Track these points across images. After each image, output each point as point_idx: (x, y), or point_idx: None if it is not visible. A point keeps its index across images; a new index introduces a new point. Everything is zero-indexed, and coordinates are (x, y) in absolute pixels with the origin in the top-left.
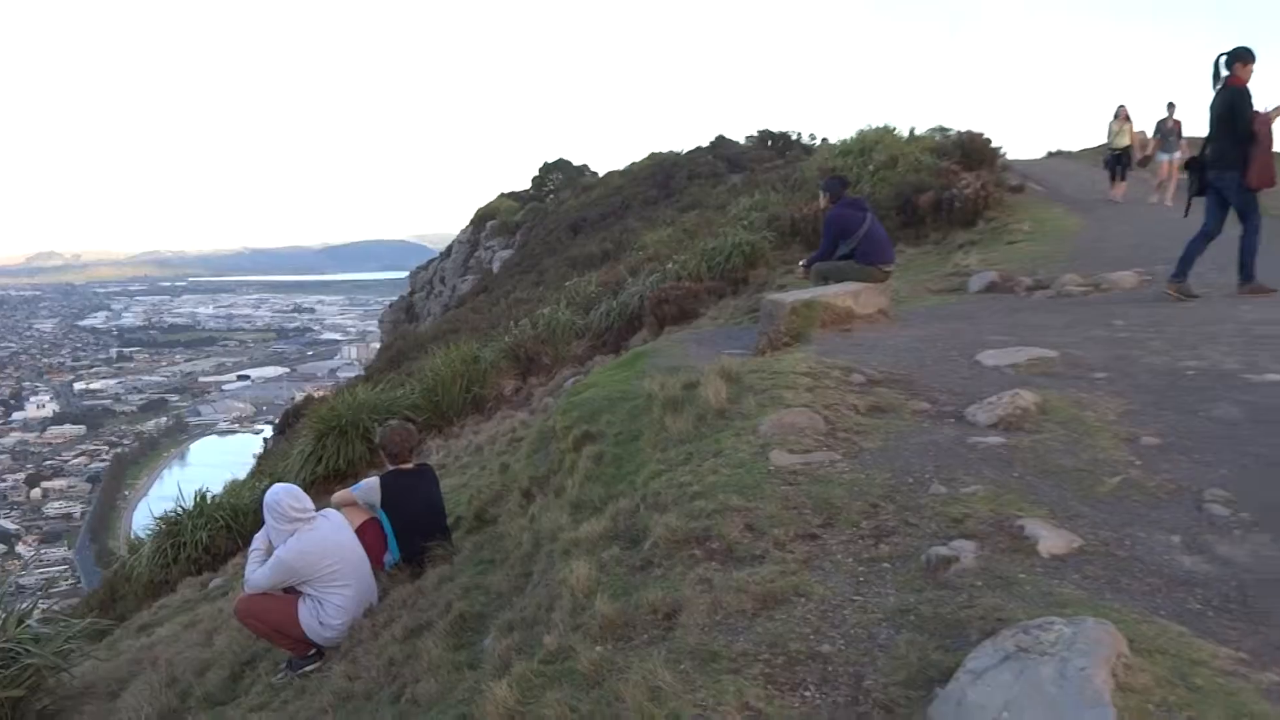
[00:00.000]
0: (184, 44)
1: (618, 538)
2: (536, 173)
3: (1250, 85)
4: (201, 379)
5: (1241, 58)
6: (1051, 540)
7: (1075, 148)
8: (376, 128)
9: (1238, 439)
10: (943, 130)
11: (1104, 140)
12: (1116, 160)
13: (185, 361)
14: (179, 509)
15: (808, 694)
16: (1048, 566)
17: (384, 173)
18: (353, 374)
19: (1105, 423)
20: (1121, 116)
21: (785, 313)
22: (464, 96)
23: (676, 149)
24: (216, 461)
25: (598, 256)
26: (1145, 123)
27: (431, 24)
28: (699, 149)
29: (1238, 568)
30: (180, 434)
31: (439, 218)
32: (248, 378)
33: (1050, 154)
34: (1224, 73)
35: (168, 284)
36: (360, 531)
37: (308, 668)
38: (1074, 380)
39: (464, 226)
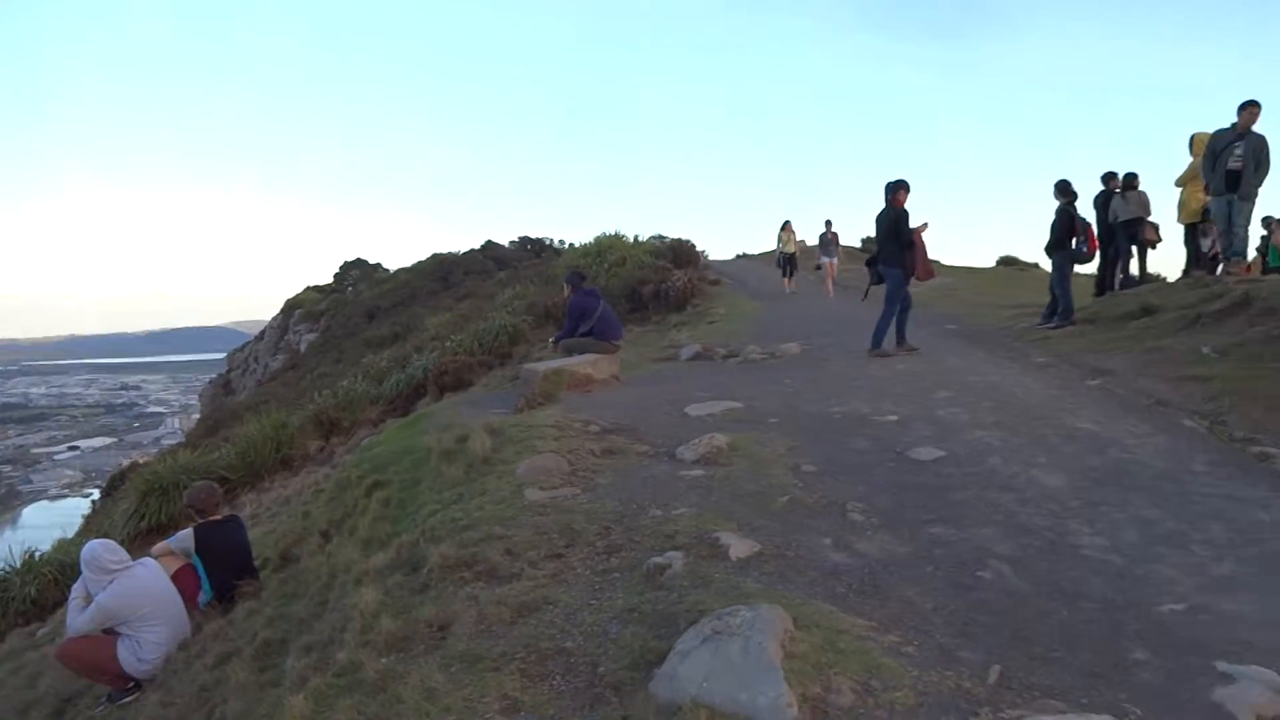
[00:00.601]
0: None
1: (401, 566)
2: (338, 269)
3: (906, 206)
4: (34, 450)
5: (903, 186)
6: (739, 547)
7: (755, 251)
8: (197, 222)
9: (869, 464)
10: (660, 237)
11: (775, 246)
12: (787, 261)
13: (17, 436)
14: (7, 568)
15: (555, 682)
16: (736, 567)
17: (203, 266)
18: (175, 441)
19: (777, 456)
20: (788, 229)
21: (539, 379)
22: (277, 199)
23: (454, 250)
24: (47, 524)
25: (389, 338)
26: (809, 229)
27: (242, 131)
28: (472, 250)
29: (870, 559)
30: (13, 500)
31: (253, 307)
32: (77, 448)
33: (738, 255)
34: (887, 196)
35: (0, 368)
36: (176, 576)
37: (126, 699)
38: (755, 424)
39: (275, 314)
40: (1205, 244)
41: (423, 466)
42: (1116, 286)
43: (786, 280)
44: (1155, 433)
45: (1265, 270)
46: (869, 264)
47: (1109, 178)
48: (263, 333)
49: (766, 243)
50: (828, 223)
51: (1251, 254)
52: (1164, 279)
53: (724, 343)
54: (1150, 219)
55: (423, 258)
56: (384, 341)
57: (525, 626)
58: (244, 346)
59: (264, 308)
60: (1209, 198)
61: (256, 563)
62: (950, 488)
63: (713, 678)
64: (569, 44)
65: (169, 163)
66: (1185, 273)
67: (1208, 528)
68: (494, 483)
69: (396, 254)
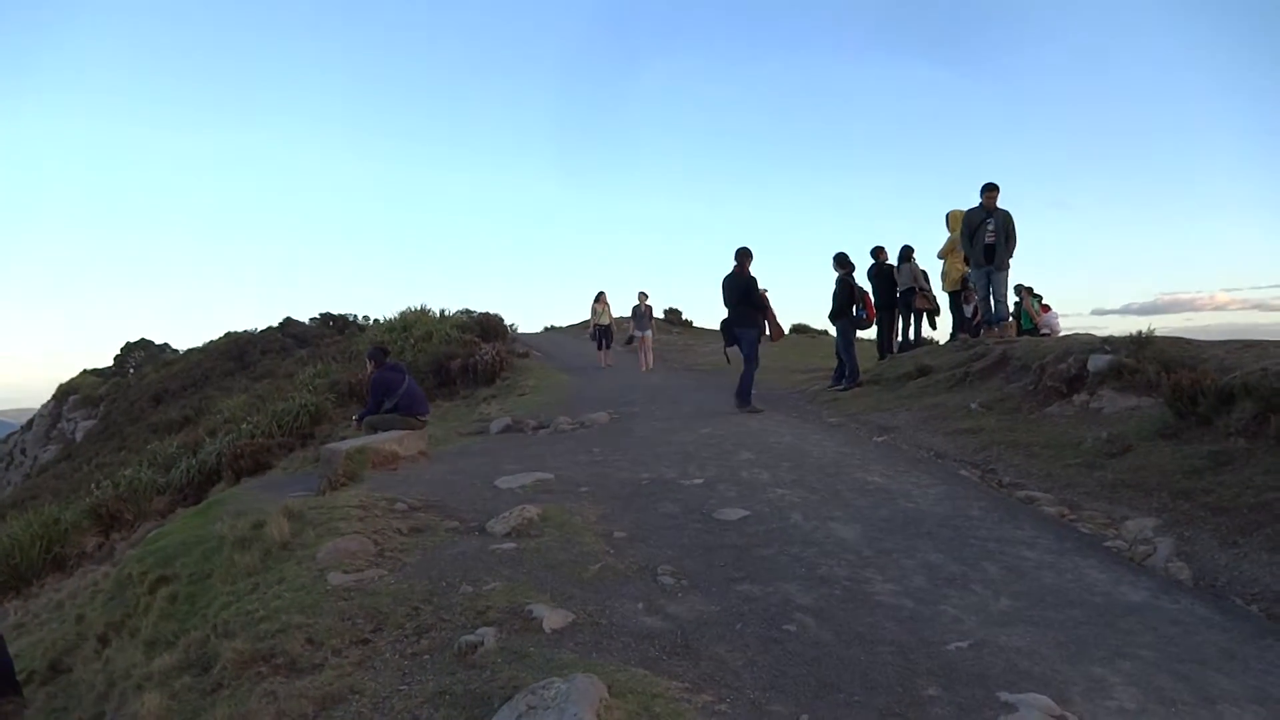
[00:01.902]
0: None
1: (190, 667)
2: (119, 351)
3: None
4: None
5: (748, 255)
6: (553, 618)
7: (564, 323)
8: None
9: (677, 527)
10: (467, 311)
11: (588, 318)
12: (602, 334)
13: None
14: None
15: None
16: (551, 639)
17: None
18: None
19: (588, 524)
20: (601, 300)
21: (341, 458)
22: (44, 276)
23: (251, 328)
24: None
25: (179, 422)
26: (621, 300)
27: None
28: (270, 328)
29: (682, 621)
30: None
31: (18, 394)
32: None
33: (547, 328)
34: (736, 262)
35: None
36: None
37: None
38: (566, 494)
39: (45, 401)
40: (968, 310)
41: (215, 557)
42: (895, 350)
43: (602, 354)
44: (936, 483)
45: (1019, 332)
46: (723, 327)
47: (878, 251)
48: (31, 421)
49: (574, 315)
50: (641, 294)
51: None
52: (936, 342)
53: (534, 415)
54: (923, 288)
55: (215, 336)
56: (173, 426)
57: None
58: (8, 437)
59: (32, 394)
60: (968, 268)
61: (20, 677)
62: (755, 545)
63: None
64: (368, 113)
65: None
66: (952, 336)
67: (985, 569)
68: (294, 569)
69: (186, 333)
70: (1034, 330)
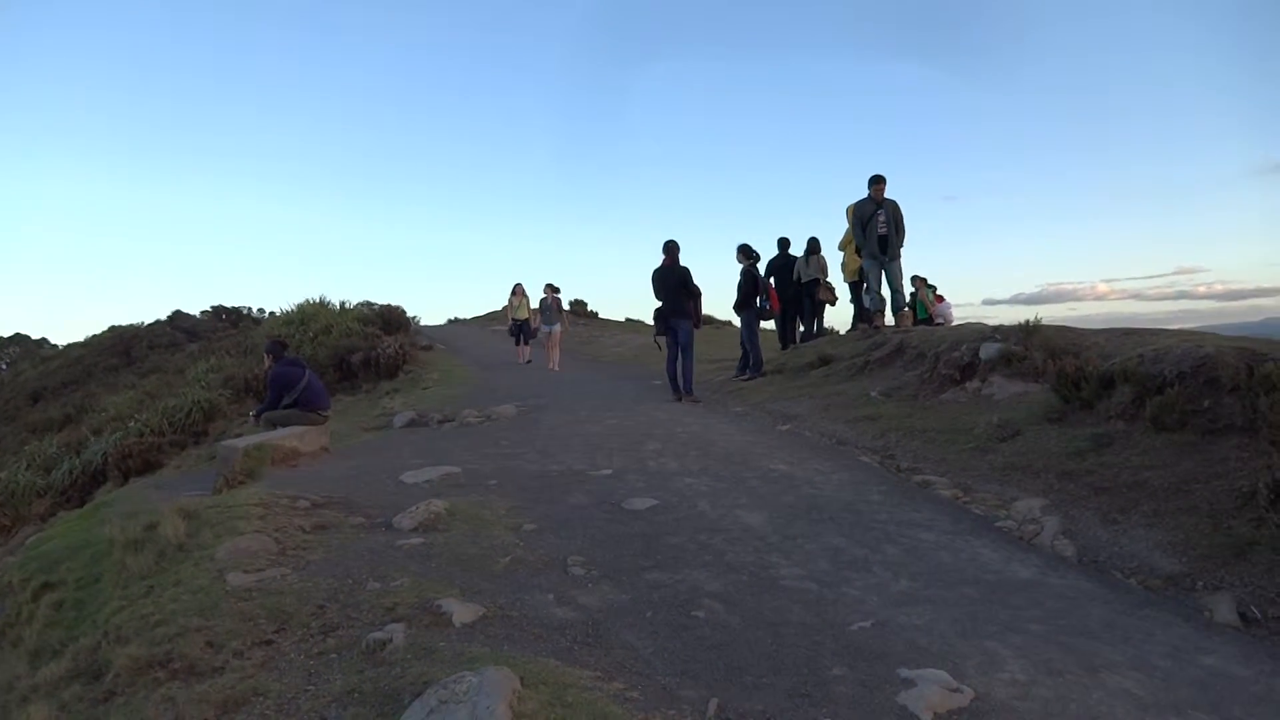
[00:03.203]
0: None
1: (79, 676)
2: None
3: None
4: None
5: (677, 246)
6: (463, 612)
7: (468, 315)
8: None
9: (587, 518)
10: (369, 304)
11: (500, 310)
12: (520, 329)
13: None
14: None
15: None
16: (461, 633)
17: None
18: None
19: (498, 517)
20: (519, 293)
21: (239, 455)
22: None
23: (136, 322)
24: None
25: (59, 420)
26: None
27: None
28: (158, 322)
29: (592, 610)
30: None
31: None
32: None
33: (451, 320)
34: (668, 254)
35: None
36: None
37: None
38: (474, 488)
39: None
40: (867, 300)
41: (104, 561)
42: (797, 340)
43: (520, 349)
44: (838, 469)
45: (915, 322)
46: (657, 317)
47: (783, 242)
48: None
49: (478, 307)
50: (549, 287)
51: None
52: (836, 332)
53: (439, 408)
54: (827, 280)
55: (99, 330)
56: (53, 425)
57: None
58: None
59: None
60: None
61: None
62: (664, 534)
63: None
64: (257, 96)
65: None
66: (853, 326)
67: (885, 551)
68: (190, 570)
69: (66, 328)
70: (929, 320)
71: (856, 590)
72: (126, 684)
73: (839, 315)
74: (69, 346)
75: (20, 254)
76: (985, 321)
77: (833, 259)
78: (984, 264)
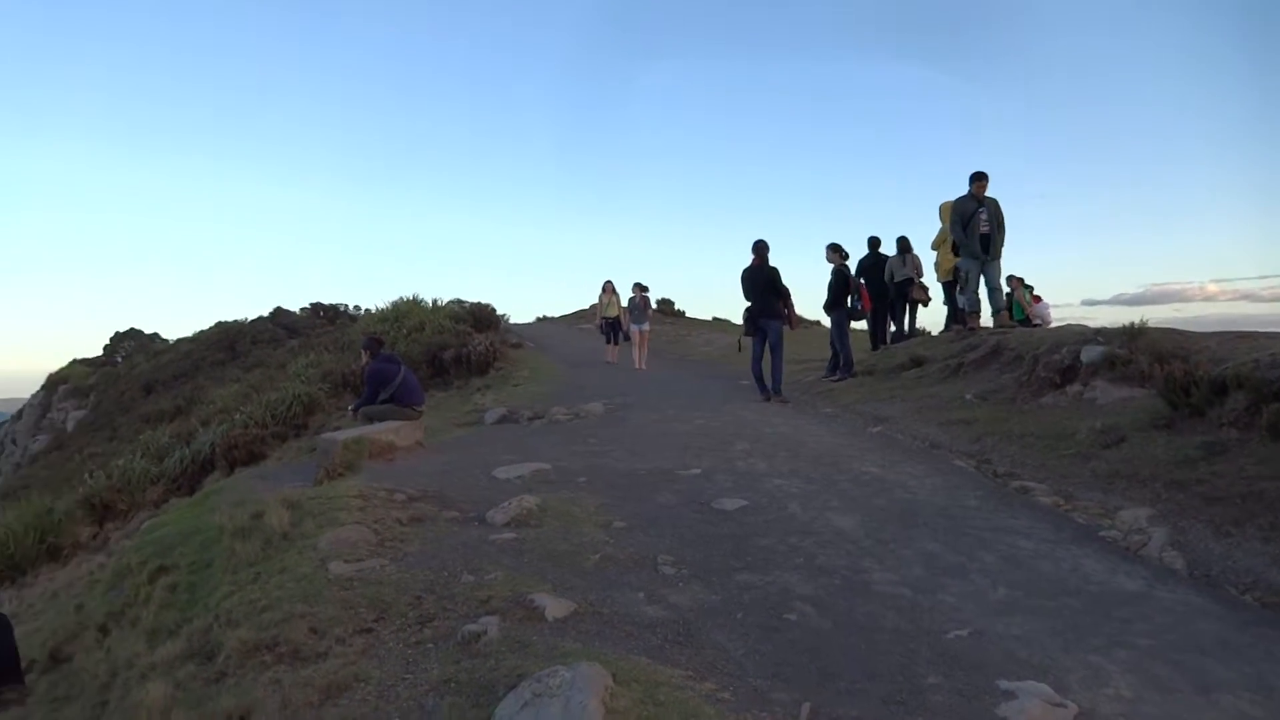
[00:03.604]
0: None
1: (193, 656)
2: (109, 340)
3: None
4: None
5: (766, 246)
6: (555, 607)
7: (556, 313)
8: None
9: (676, 517)
10: (460, 301)
11: (585, 308)
12: (610, 328)
13: None
14: None
15: None
16: (553, 628)
17: None
18: None
19: (588, 514)
20: (608, 290)
21: (338, 448)
22: (33, 266)
23: (241, 318)
24: None
25: (170, 412)
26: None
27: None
28: (261, 318)
29: (683, 609)
30: None
31: (8, 384)
32: None
33: (539, 318)
34: (758, 254)
35: None
36: None
37: None
38: (564, 484)
39: (35, 391)
40: (962, 300)
41: (214, 547)
42: (889, 340)
43: (610, 348)
44: (931, 473)
45: (1011, 323)
46: (746, 317)
47: (874, 241)
48: (20, 411)
49: (567, 305)
50: (637, 286)
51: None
52: (928, 333)
53: (529, 405)
54: (921, 279)
55: (206, 326)
56: (165, 416)
57: (335, 707)
58: None
59: (21, 384)
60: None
61: (23, 666)
62: (754, 535)
63: None
64: (355, 100)
65: None
66: (947, 326)
67: (982, 558)
68: (295, 559)
69: (176, 323)
70: (1026, 321)
71: (952, 597)
72: (237, 665)
73: (931, 316)
74: (179, 341)
75: (136, 253)
76: (1086, 323)
77: (925, 258)
78: (1083, 263)
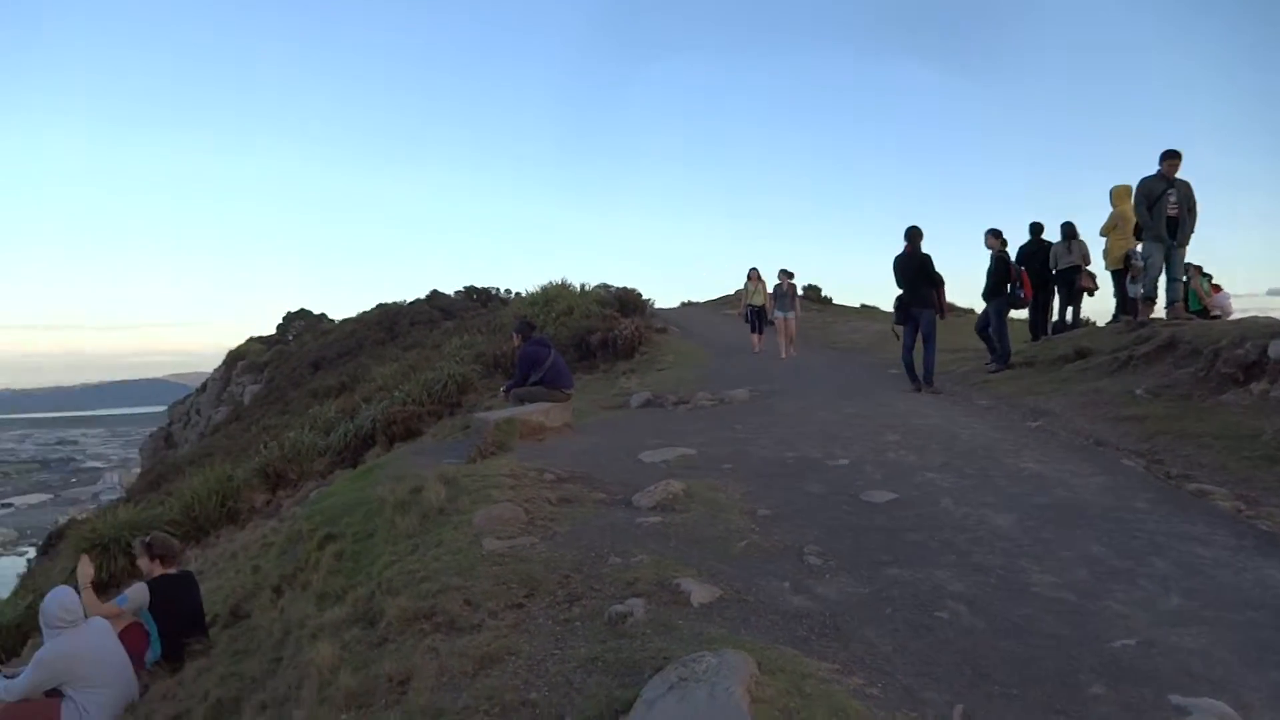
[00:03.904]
0: None
1: (358, 620)
2: (281, 320)
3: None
4: None
5: (919, 233)
6: (700, 593)
7: (701, 298)
8: (136, 273)
9: (823, 508)
10: (606, 286)
11: (729, 293)
12: (755, 315)
13: None
14: None
15: None
16: (699, 613)
17: (143, 317)
18: (115, 497)
19: (733, 501)
20: (753, 278)
21: (491, 428)
22: (217, 249)
23: (400, 299)
24: None
25: (336, 388)
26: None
27: (180, 180)
28: (418, 300)
29: (830, 602)
30: None
31: (194, 359)
32: (11, 505)
33: (684, 303)
34: (909, 241)
35: None
36: (124, 634)
37: None
38: (709, 471)
39: (217, 366)
40: (1136, 288)
41: (376, 518)
42: (1049, 331)
43: (756, 337)
44: (1097, 472)
45: (1187, 314)
46: (898, 305)
47: (1037, 228)
48: (204, 385)
49: (711, 290)
50: (783, 273)
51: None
52: (1094, 323)
53: (673, 390)
54: (1088, 268)
55: (368, 308)
56: (330, 392)
57: (488, 678)
58: (185, 399)
59: (205, 359)
60: (1139, 242)
61: (207, 619)
62: (904, 529)
63: None
64: (512, 90)
65: (106, 212)
66: (1115, 317)
67: (1153, 563)
68: (450, 533)
69: (341, 304)
70: (1203, 312)
71: (1119, 604)
72: (397, 632)
73: (1096, 306)
74: (344, 321)
75: (305, 237)
76: (1272, 314)
77: (1093, 245)
78: (1267, 250)
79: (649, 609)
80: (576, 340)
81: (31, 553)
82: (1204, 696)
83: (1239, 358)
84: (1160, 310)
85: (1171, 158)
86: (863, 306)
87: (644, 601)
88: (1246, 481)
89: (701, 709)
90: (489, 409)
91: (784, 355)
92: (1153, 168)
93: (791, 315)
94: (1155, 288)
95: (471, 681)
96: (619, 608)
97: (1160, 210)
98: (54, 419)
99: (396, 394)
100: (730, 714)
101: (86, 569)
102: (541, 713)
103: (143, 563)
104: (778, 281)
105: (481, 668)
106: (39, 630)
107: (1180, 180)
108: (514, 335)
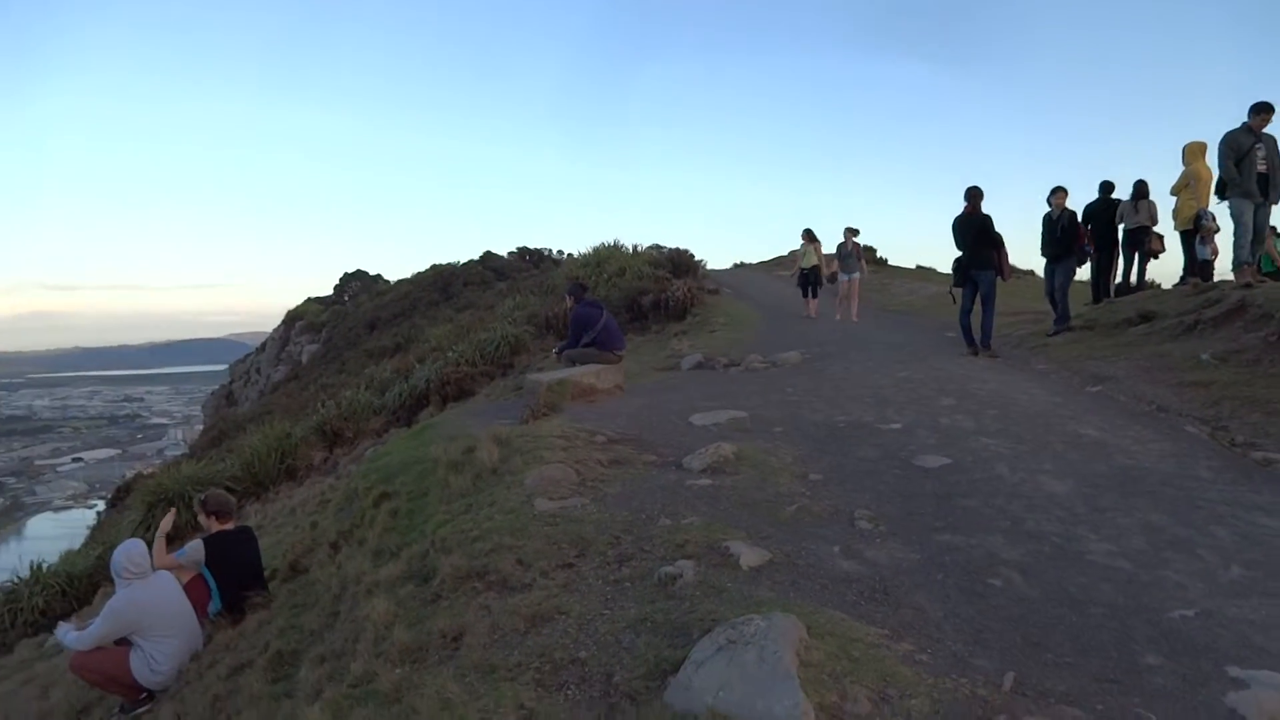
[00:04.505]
0: None
1: (412, 577)
2: (338, 281)
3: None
4: (37, 462)
5: (980, 193)
6: (749, 556)
7: (753, 259)
8: (199, 233)
9: (875, 472)
10: (658, 247)
11: (783, 254)
12: (805, 279)
13: (22, 448)
14: (15, 578)
15: (570, 692)
16: (748, 576)
17: (205, 278)
18: (179, 453)
19: (784, 464)
20: (808, 238)
21: (543, 389)
22: (272, 211)
23: (453, 261)
24: (53, 535)
25: (391, 348)
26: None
27: (241, 142)
28: (471, 261)
29: (880, 567)
30: (17, 512)
31: (254, 318)
32: (81, 459)
33: (736, 265)
34: (969, 202)
35: (4, 381)
36: (188, 586)
37: (140, 710)
38: (760, 434)
39: (276, 325)
40: (1204, 251)
41: (430, 477)
42: (1112, 293)
43: (809, 302)
44: (1158, 439)
45: (1261, 277)
46: (956, 267)
47: (1107, 186)
48: (264, 344)
49: (764, 251)
50: (849, 231)
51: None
52: (1159, 285)
53: (725, 352)
54: (1155, 229)
55: (422, 268)
56: (385, 352)
57: (539, 636)
58: (246, 358)
59: (265, 319)
60: (1221, 200)
61: (265, 573)
62: (957, 495)
63: (728, 687)
64: (563, 52)
65: (167, 172)
66: (1182, 279)
67: (1214, 533)
68: (503, 493)
69: (396, 265)
70: (1277, 274)
71: (1177, 574)
72: (450, 589)
73: (1163, 268)
74: (399, 282)
75: (361, 198)
76: None
77: (1162, 205)
78: None
79: (698, 571)
80: (628, 302)
81: (101, 505)
82: (1264, 669)
83: None
84: (1226, 272)
85: (1263, 110)
86: (918, 268)
87: (693, 564)
88: None
89: (750, 671)
90: (541, 370)
91: (848, 317)
92: (1212, 126)
93: (857, 276)
94: (1248, 249)
95: (523, 639)
96: (668, 569)
97: (1249, 165)
98: (121, 376)
99: (450, 354)
100: (779, 676)
101: (169, 520)
102: (590, 671)
103: (202, 519)
104: (842, 240)
105: (532, 626)
106: (109, 580)
107: (1268, 135)
108: (566, 297)
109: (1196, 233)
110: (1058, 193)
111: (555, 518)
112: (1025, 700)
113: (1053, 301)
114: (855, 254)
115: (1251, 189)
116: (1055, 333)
